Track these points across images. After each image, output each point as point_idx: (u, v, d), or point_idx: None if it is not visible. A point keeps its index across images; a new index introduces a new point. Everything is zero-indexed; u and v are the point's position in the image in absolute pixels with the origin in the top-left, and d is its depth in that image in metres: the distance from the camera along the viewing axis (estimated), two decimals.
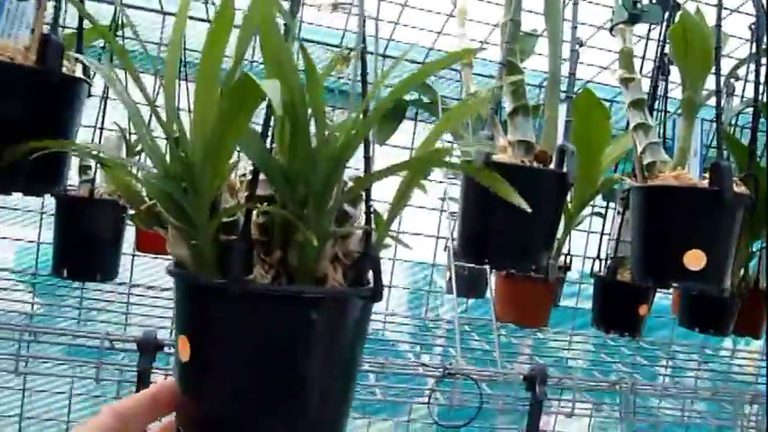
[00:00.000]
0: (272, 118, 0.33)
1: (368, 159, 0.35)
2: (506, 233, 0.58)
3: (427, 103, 1.16)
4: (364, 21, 0.39)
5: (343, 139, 0.32)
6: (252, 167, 0.33)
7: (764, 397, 1.01)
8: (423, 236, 1.27)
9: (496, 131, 0.60)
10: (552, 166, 0.58)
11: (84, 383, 1.24)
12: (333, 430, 0.34)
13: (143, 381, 0.85)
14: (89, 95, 0.55)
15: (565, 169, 0.57)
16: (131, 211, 1.06)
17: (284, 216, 0.32)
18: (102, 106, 1.10)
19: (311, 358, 0.32)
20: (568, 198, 0.95)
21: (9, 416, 1.17)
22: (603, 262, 1.02)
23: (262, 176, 0.33)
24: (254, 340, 0.32)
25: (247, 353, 0.32)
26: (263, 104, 0.31)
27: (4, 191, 0.50)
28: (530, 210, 0.35)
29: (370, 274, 0.36)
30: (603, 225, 1.07)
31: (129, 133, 1.09)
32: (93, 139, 1.08)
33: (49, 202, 1.13)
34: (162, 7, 1.15)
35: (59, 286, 1.17)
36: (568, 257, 1.05)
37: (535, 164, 0.59)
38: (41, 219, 1.18)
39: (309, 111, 0.31)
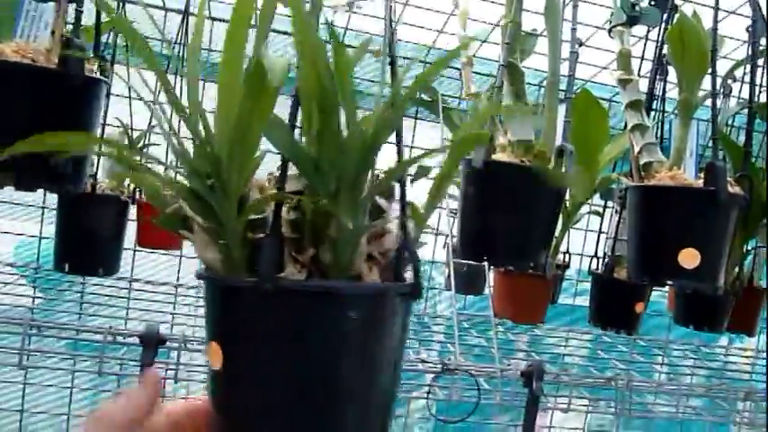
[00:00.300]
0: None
1: (399, 148, 0.34)
2: (505, 231, 0.59)
3: (428, 101, 1.16)
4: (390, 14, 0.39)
5: (374, 125, 0.30)
6: (281, 160, 0.31)
7: (758, 394, 1.02)
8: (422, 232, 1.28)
9: (496, 131, 0.61)
10: (551, 165, 0.59)
11: (84, 378, 1.25)
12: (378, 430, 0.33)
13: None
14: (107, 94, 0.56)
15: (563, 169, 0.58)
16: (133, 207, 1.08)
17: (316, 209, 0.31)
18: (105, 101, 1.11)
19: (349, 359, 0.30)
20: (567, 196, 0.96)
21: (11, 410, 1.17)
22: (601, 260, 1.03)
23: (291, 172, 0.32)
24: (288, 341, 0.30)
25: (281, 355, 0.30)
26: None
27: (30, 188, 0.51)
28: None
29: (407, 273, 0.34)
30: (601, 224, 1.08)
31: (132, 129, 1.10)
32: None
33: (50, 196, 1.14)
34: (164, 3, 1.15)
35: (60, 281, 1.18)
36: (566, 255, 1.06)
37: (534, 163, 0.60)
38: (43, 213, 1.19)
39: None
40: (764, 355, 1.39)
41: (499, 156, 0.60)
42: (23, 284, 1.19)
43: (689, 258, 0.56)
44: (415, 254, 0.33)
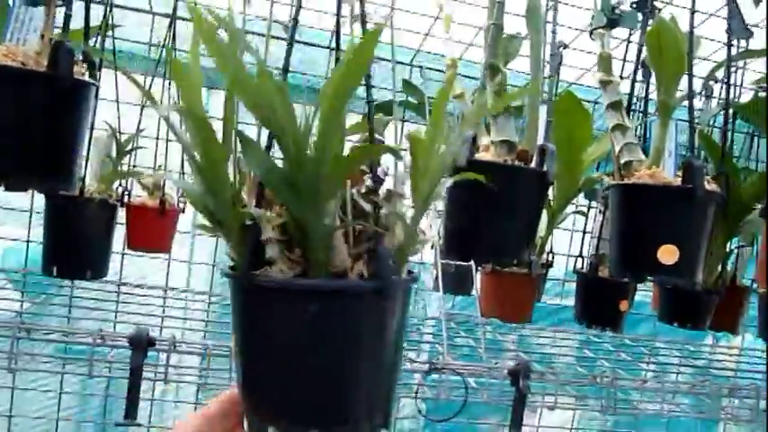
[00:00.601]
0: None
1: (371, 139, 0.37)
2: (489, 230, 0.60)
3: (414, 103, 1.18)
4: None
5: (319, 139, 0.33)
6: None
7: (741, 391, 1.04)
8: None
9: (480, 131, 0.62)
10: (533, 165, 0.61)
11: (72, 381, 1.25)
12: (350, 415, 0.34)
13: (135, 377, 0.86)
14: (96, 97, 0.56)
15: (545, 168, 0.59)
16: (121, 210, 1.08)
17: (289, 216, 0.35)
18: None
19: (312, 350, 0.33)
20: (551, 197, 0.97)
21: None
22: (586, 259, 1.05)
23: None
24: (262, 330, 0.34)
25: (259, 341, 0.34)
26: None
27: (21, 189, 0.52)
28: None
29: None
30: (585, 223, 1.10)
31: (120, 132, 1.10)
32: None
33: (39, 199, 1.13)
34: (151, 7, 1.16)
35: (49, 285, 1.18)
36: (550, 255, 1.07)
37: (517, 162, 0.61)
38: (30, 217, 1.19)
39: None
40: (749, 352, 1.41)
41: (482, 155, 0.61)
42: (11, 289, 1.19)
43: (667, 254, 0.57)
44: (380, 253, 0.34)
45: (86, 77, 0.53)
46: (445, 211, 0.63)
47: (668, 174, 0.63)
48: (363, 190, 0.37)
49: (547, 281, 1.12)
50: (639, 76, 0.87)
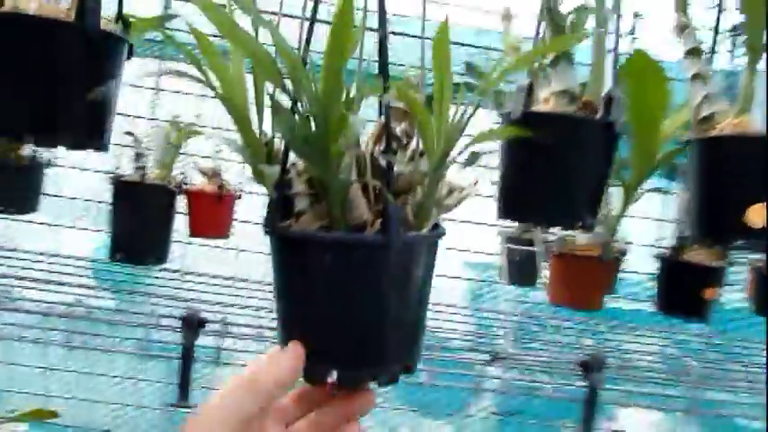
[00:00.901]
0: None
1: (387, 110, 0.36)
2: (548, 187, 0.54)
3: (473, 84, 1.12)
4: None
5: (319, 102, 0.35)
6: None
7: None
8: (473, 224, 1.25)
9: (537, 82, 0.57)
10: (599, 116, 0.54)
11: (140, 368, 1.27)
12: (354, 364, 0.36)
13: (187, 356, 0.86)
14: (130, 57, 0.55)
15: (611, 118, 0.53)
16: (181, 198, 1.09)
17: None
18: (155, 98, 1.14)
19: (326, 296, 0.35)
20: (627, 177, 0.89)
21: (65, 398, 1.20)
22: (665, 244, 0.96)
23: None
24: (288, 275, 0.36)
25: (284, 286, 0.37)
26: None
27: (50, 144, 0.51)
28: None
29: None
30: (664, 205, 1.01)
31: (179, 123, 1.11)
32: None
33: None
34: None
35: (117, 272, 1.20)
36: (625, 241, 0.99)
37: (578, 113, 0.55)
38: (99, 208, 1.22)
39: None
40: None
41: (541, 107, 0.55)
42: (86, 276, 1.22)
43: (759, 214, 0.50)
44: (388, 207, 0.34)
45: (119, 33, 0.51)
46: (500, 169, 0.57)
47: (758, 124, 0.54)
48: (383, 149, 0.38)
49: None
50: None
